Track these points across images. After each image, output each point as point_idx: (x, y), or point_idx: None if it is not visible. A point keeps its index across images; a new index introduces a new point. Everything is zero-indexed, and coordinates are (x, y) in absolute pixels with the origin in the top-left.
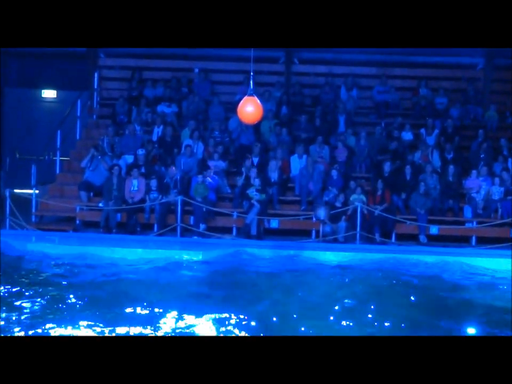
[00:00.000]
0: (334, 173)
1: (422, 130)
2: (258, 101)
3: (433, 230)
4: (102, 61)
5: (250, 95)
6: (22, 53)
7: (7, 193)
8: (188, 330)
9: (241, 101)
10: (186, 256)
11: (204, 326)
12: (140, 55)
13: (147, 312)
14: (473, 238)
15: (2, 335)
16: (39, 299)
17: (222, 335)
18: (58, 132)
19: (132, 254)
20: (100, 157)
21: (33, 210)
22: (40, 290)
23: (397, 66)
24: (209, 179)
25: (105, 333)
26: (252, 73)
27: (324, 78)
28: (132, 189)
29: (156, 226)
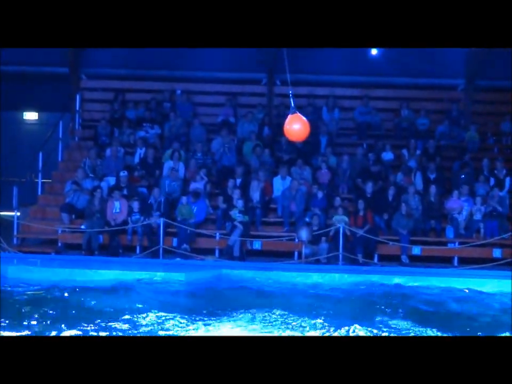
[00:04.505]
0: (319, 193)
1: (404, 151)
2: (304, 118)
3: (416, 250)
4: (84, 82)
5: (294, 112)
6: (3, 75)
7: None
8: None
9: (287, 120)
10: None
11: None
12: (122, 77)
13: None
14: (455, 259)
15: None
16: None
17: (222, 335)
18: (40, 153)
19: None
20: (79, 192)
21: (15, 232)
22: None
23: (378, 88)
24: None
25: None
26: (291, 93)
27: (306, 99)
28: (114, 211)
29: (138, 248)
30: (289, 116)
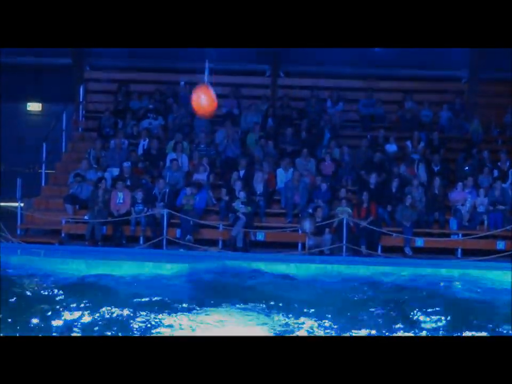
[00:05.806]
0: (323, 185)
1: (408, 143)
2: (212, 90)
3: (419, 242)
4: (88, 74)
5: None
6: (7, 66)
7: None
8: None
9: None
10: (172, 268)
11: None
12: (126, 68)
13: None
14: (459, 250)
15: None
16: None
17: (222, 335)
18: (44, 145)
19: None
20: (82, 183)
21: (19, 223)
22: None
23: (382, 80)
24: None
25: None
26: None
27: (309, 91)
28: (118, 201)
29: (141, 238)
30: (199, 86)
